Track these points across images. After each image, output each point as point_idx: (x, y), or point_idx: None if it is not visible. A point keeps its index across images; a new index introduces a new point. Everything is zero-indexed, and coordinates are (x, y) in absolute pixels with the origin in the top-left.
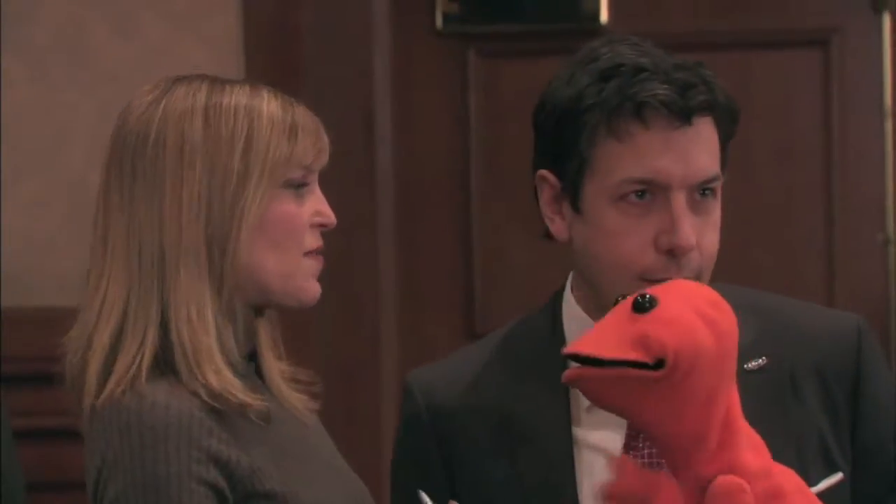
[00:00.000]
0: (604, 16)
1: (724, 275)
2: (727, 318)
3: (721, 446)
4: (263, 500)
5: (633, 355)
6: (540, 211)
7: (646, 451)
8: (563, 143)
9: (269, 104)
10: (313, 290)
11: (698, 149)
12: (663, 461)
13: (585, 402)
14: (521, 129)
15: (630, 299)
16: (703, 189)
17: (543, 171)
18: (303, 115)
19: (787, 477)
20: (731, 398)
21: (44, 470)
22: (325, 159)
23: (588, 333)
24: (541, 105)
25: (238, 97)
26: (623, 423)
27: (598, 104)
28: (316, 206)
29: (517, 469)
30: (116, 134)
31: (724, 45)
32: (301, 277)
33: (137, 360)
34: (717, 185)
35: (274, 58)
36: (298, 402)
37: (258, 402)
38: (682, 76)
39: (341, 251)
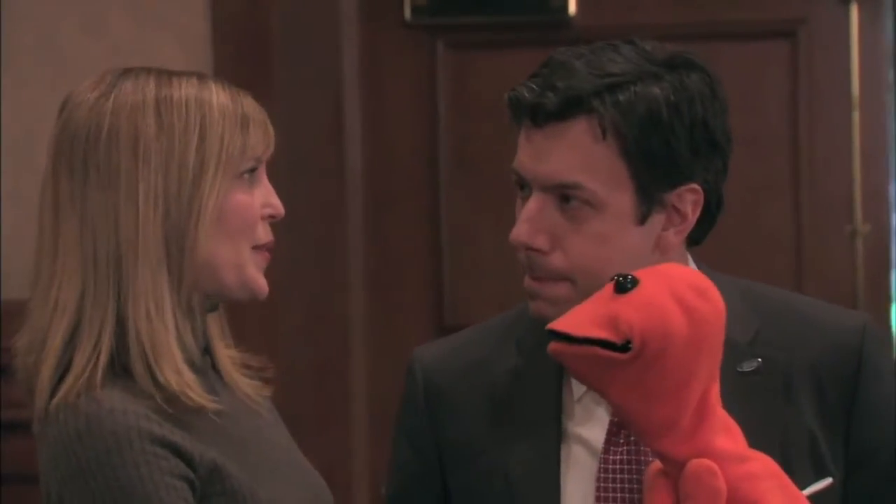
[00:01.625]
0: (572, 8)
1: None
2: (709, 306)
3: (695, 431)
4: (222, 497)
5: (601, 334)
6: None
7: (624, 448)
8: None
9: (218, 96)
10: (263, 283)
11: (556, 151)
12: (642, 458)
13: (577, 394)
14: (490, 120)
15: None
16: (563, 195)
17: None
18: (251, 107)
19: (762, 463)
20: (709, 385)
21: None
22: (272, 149)
23: (571, 310)
24: None
25: (187, 89)
26: (607, 414)
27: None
28: (266, 198)
29: (504, 457)
30: (62, 129)
31: (691, 35)
32: (252, 269)
33: (92, 362)
34: (583, 194)
35: (243, 53)
36: (251, 388)
37: (213, 404)
38: (554, 75)
39: (311, 245)
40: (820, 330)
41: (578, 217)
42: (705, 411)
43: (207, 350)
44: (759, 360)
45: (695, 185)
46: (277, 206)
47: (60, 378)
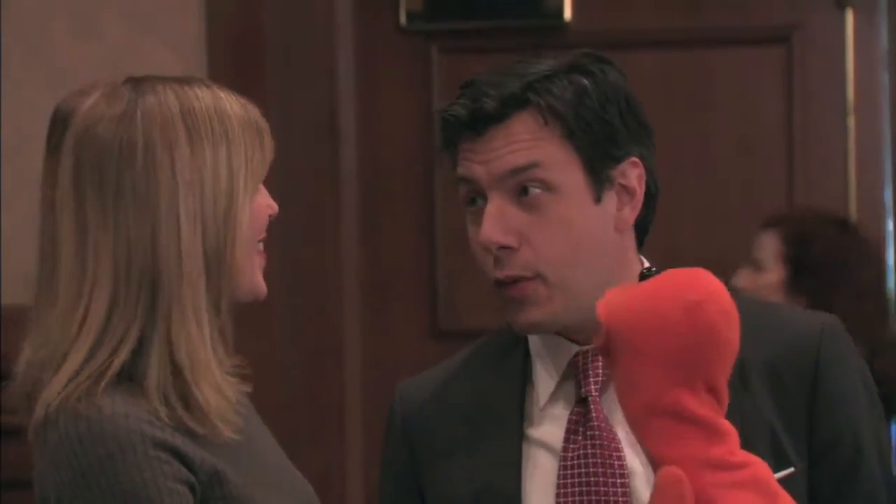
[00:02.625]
0: (567, 13)
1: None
2: (692, 325)
3: (673, 436)
4: (221, 502)
5: (601, 314)
6: None
7: (582, 443)
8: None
9: (232, 107)
10: (263, 284)
11: (504, 146)
12: (598, 452)
13: (542, 400)
14: None
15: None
16: (521, 184)
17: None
18: (258, 115)
19: (751, 470)
20: (681, 393)
21: None
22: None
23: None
24: None
25: (205, 101)
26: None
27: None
28: (266, 199)
29: (470, 469)
30: (82, 142)
31: (686, 41)
32: (258, 270)
33: (100, 372)
34: (538, 173)
35: (237, 57)
36: (231, 388)
37: (229, 430)
38: (482, 89)
39: (306, 248)
40: (779, 330)
41: (539, 205)
42: (682, 419)
43: None
44: None
45: (635, 159)
46: (273, 205)
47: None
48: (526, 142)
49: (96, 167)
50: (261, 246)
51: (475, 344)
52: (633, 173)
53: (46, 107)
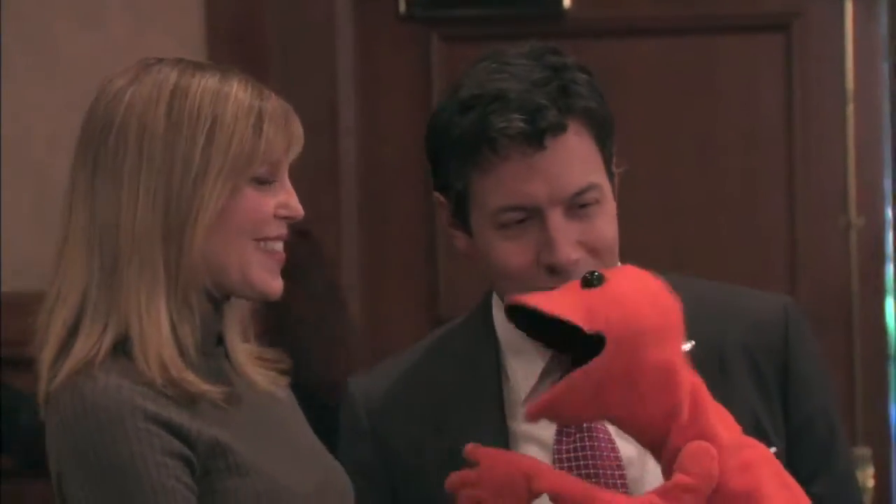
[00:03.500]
0: (567, 1)
1: (685, 259)
2: (671, 299)
3: (692, 420)
4: (225, 472)
5: (575, 316)
6: None
7: (576, 436)
8: (442, 174)
9: (237, 95)
10: (273, 284)
11: (563, 165)
12: (595, 444)
13: (521, 396)
14: None
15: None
16: (579, 203)
17: (437, 194)
18: (272, 107)
19: (757, 451)
20: (692, 375)
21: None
22: (298, 149)
23: (534, 294)
24: (427, 129)
25: (206, 85)
26: None
27: (459, 139)
28: (283, 199)
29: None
30: (86, 119)
31: (686, 29)
32: (258, 270)
33: (97, 346)
34: (595, 193)
35: (238, 47)
36: (265, 379)
37: (212, 391)
38: (532, 99)
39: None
40: (745, 311)
41: (591, 215)
42: (698, 401)
43: (221, 340)
44: (692, 341)
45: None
46: (295, 208)
47: (61, 363)
48: (581, 156)
49: (85, 145)
50: (276, 245)
51: (431, 338)
52: (614, 162)
53: (46, 97)
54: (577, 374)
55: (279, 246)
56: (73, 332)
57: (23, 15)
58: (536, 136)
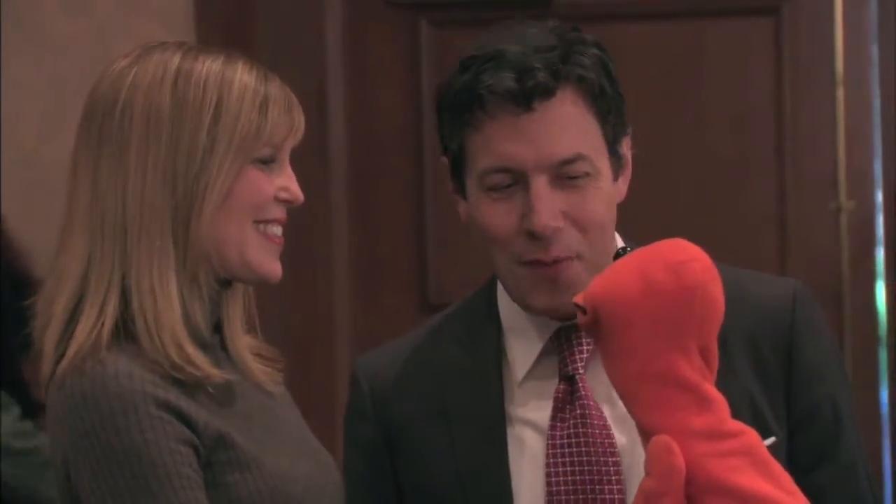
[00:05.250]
0: None
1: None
2: (675, 281)
3: (664, 404)
4: (227, 466)
5: (578, 300)
6: None
7: (570, 422)
8: (442, 134)
9: (241, 77)
10: (274, 267)
11: (551, 130)
12: (589, 431)
13: (518, 378)
14: None
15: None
16: (566, 173)
17: (443, 158)
18: (277, 91)
19: (742, 439)
20: (676, 359)
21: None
22: (298, 137)
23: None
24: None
25: (210, 67)
26: (551, 394)
27: (455, 98)
28: (284, 182)
29: (453, 449)
30: (88, 99)
31: (675, 13)
32: (256, 252)
33: (98, 328)
34: (585, 166)
35: (226, 33)
36: (263, 375)
37: (219, 375)
38: (527, 60)
39: (295, 225)
40: (752, 297)
41: (581, 189)
42: (675, 385)
43: (218, 328)
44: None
45: (629, 129)
46: (295, 192)
47: (65, 345)
48: (572, 124)
49: (88, 122)
50: (275, 229)
51: (438, 319)
52: (626, 144)
53: (37, 82)
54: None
55: (278, 230)
56: (75, 312)
57: (12, 1)
58: (523, 96)
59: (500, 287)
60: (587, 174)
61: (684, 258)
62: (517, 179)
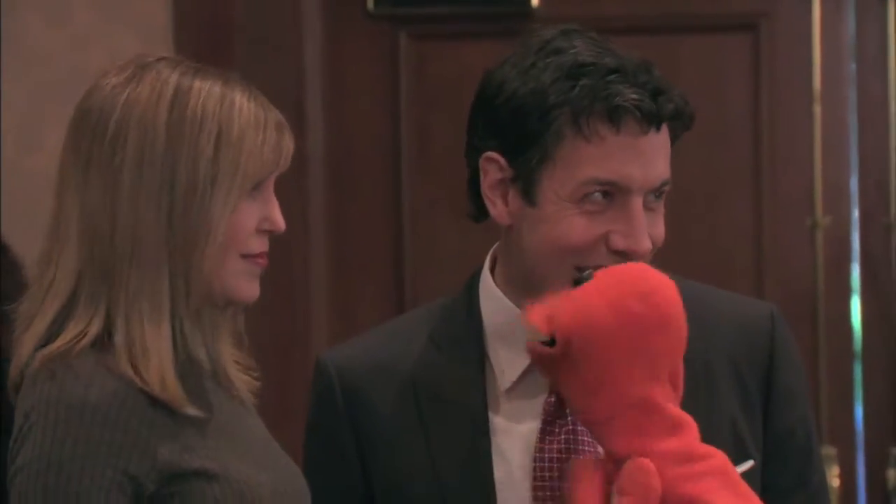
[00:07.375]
0: None
1: (653, 258)
2: (646, 309)
3: (637, 430)
4: (193, 478)
5: (542, 327)
6: (468, 189)
7: (561, 437)
8: (522, 135)
9: (241, 107)
10: (250, 290)
11: (659, 154)
12: (579, 448)
13: (504, 386)
14: (452, 110)
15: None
16: (657, 192)
17: (492, 154)
18: (275, 118)
19: (712, 462)
20: (651, 386)
21: None
22: (285, 166)
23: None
24: (493, 89)
25: (208, 95)
26: (539, 407)
27: (568, 102)
28: (266, 212)
29: (430, 451)
30: (77, 112)
31: (654, 28)
32: (234, 279)
33: (75, 340)
34: (666, 190)
35: (204, 44)
36: (243, 384)
37: (197, 414)
38: (650, 80)
39: (273, 237)
40: (732, 319)
41: (657, 212)
42: (649, 411)
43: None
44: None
45: None
46: (276, 222)
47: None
48: (669, 152)
49: (77, 133)
50: (251, 251)
51: (411, 317)
52: None
53: (15, 92)
54: (533, 345)
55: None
56: (60, 324)
57: None
58: (656, 118)
59: (485, 287)
60: (663, 197)
61: (653, 287)
62: (614, 195)
